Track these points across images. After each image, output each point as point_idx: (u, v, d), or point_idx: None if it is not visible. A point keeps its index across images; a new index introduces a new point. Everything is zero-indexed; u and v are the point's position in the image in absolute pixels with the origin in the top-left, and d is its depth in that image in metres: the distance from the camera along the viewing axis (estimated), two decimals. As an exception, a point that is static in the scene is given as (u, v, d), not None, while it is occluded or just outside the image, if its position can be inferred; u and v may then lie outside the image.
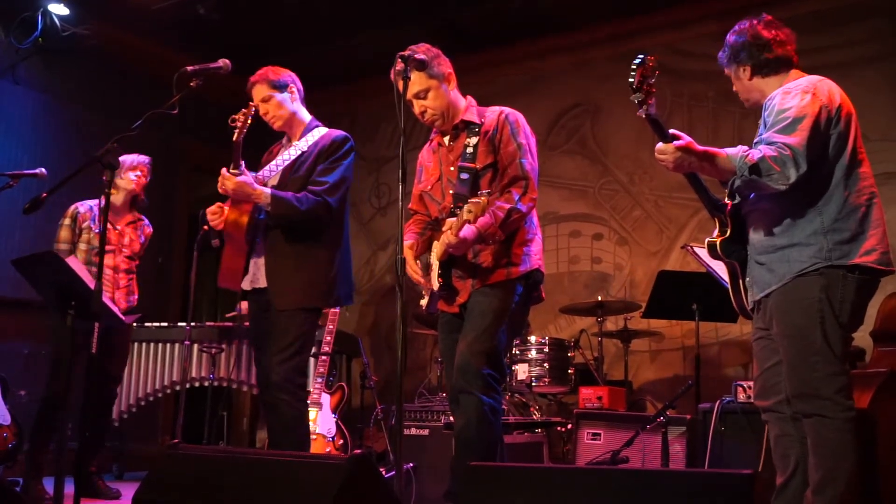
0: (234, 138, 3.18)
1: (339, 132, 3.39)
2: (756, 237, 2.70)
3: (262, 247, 3.28)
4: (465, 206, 2.69)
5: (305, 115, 3.45)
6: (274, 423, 3.22)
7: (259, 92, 3.35)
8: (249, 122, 3.24)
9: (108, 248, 4.33)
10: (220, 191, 3.19)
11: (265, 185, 3.28)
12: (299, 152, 3.33)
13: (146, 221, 4.64)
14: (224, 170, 3.15)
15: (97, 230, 4.37)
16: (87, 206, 4.45)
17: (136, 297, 4.57)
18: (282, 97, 3.35)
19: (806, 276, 2.55)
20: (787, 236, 2.60)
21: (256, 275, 3.29)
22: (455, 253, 2.90)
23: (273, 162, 3.37)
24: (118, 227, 4.45)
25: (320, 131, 3.40)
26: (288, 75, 3.41)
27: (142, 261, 4.67)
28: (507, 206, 2.88)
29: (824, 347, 2.51)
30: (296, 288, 3.20)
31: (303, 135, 3.39)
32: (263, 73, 3.37)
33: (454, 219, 2.82)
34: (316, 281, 3.24)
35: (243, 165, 3.18)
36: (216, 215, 3.26)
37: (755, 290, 2.71)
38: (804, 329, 2.54)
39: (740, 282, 2.80)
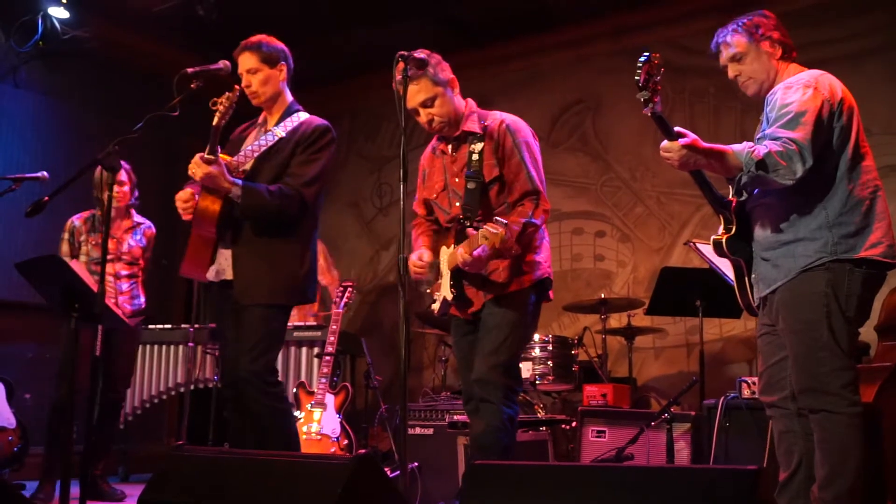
0: (214, 123, 2.95)
1: (320, 121, 3.16)
2: (761, 233, 2.70)
3: (230, 238, 3.06)
4: (481, 231, 2.67)
5: (288, 97, 3.22)
6: (242, 422, 3.04)
7: (246, 61, 3.12)
8: (233, 106, 3.02)
9: (107, 258, 4.34)
10: (190, 175, 2.97)
11: (237, 169, 3.07)
12: (276, 138, 3.09)
13: (146, 224, 4.64)
14: (198, 156, 2.93)
15: (94, 242, 4.39)
16: (82, 219, 4.50)
17: (143, 299, 4.58)
18: (269, 73, 3.12)
19: (811, 270, 2.55)
20: (792, 231, 2.60)
21: (223, 265, 3.08)
22: (469, 271, 2.89)
23: (248, 146, 3.13)
24: (115, 236, 4.46)
25: (300, 117, 3.17)
26: (282, 50, 3.18)
27: (150, 262, 4.67)
28: (522, 220, 2.88)
29: (831, 342, 2.50)
30: (262, 284, 3.01)
31: (282, 118, 3.15)
32: (256, 42, 3.14)
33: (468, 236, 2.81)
34: (285, 277, 3.04)
35: (220, 152, 2.96)
36: (187, 203, 3.01)
37: (760, 287, 2.71)
38: (811, 324, 2.53)
39: (746, 279, 2.79)
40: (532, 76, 6.47)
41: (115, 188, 4.38)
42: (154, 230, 4.67)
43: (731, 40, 2.76)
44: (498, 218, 2.72)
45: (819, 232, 2.56)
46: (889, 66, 5.13)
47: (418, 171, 3.28)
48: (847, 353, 2.52)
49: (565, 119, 6.33)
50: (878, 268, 2.57)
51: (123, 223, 4.53)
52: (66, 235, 4.49)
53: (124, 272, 4.47)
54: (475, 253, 2.76)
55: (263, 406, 2.96)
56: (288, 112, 3.18)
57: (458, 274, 2.96)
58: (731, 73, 2.81)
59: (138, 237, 4.57)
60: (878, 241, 2.54)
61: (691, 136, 2.55)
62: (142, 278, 4.60)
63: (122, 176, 4.44)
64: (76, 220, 4.50)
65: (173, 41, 6.23)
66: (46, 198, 3.48)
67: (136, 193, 4.60)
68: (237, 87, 3.07)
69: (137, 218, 4.62)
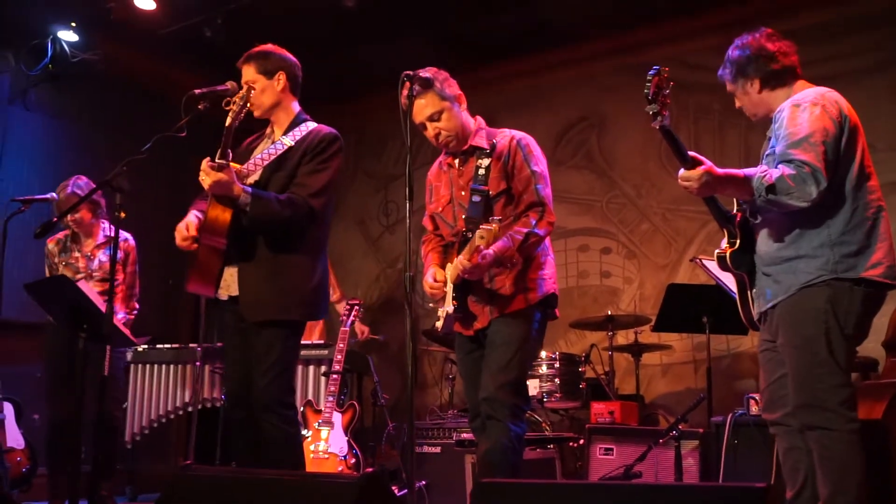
0: (227, 123, 2.89)
1: (328, 129, 3.13)
2: (763, 248, 2.70)
3: (236, 255, 2.97)
4: (478, 232, 2.70)
5: (294, 107, 3.18)
6: (250, 444, 2.98)
7: (246, 73, 3.12)
8: (246, 106, 2.97)
9: (77, 276, 4.34)
10: (201, 182, 2.91)
11: (246, 177, 3.01)
12: (285, 148, 3.05)
13: (122, 237, 4.53)
14: (206, 161, 2.87)
15: (64, 263, 4.40)
16: (55, 241, 4.50)
17: (122, 315, 4.51)
18: (266, 84, 3.10)
19: (812, 287, 2.55)
20: (794, 248, 2.60)
21: (229, 281, 3.01)
22: (469, 278, 2.90)
23: (257, 155, 3.09)
24: (87, 253, 4.46)
25: (309, 126, 3.14)
26: (282, 59, 3.16)
27: (134, 276, 4.62)
28: (525, 230, 2.90)
29: (829, 359, 2.50)
30: (270, 299, 2.93)
31: (289, 128, 3.12)
32: (255, 54, 3.15)
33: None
34: (294, 291, 2.97)
35: (230, 156, 2.90)
36: (186, 241, 2.94)
37: (761, 301, 2.71)
38: (809, 340, 2.53)
39: (748, 293, 2.79)
40: (536, 94, 6.50)
41: (69, 217, 4.36)
42: (132, 242, 4.58)
43: (723, 77, 2.84)
44: (493, 217, 2.74)
45: (821, 250, 2.56)
46: (893, 82, 5.15)
47: (426, 187, 3.30)
48: (845, 371, 2.52)
49: (570, 137, 6.36)
50: (878, 288, 2.57)
51: (89, 241, 4.49)
52: (45, 259, 4.53)
53: (97, 289, 4.43)
54: (474, 259, 2.77)
55: (279, 431, 2.91)
56: (296, 122, 3.14)
57: (462, 287, 2.97)
58: (736, 104, 2.89)
59: (109, 253, 4.48)
60: (878, 262, 2.55)
61: (707, 163, 2.56)
62: (124, 294, 4.52)
63: (78, 193, 4.37)
64: (49, 243, 4.51)
65: (181, 63, 6.29)
66: (55, 219, 3.53)
67: (103, 204, 4.53)
68: (253, 86, 3.04)
69: (112, 232, 4.45)
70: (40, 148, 5.94)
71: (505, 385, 2.87)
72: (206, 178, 2.85)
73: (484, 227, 2.68)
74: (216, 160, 2.86)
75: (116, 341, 4.14)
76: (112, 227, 4.55)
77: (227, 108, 2.91)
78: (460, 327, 3.08)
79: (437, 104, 3.01)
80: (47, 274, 4.48)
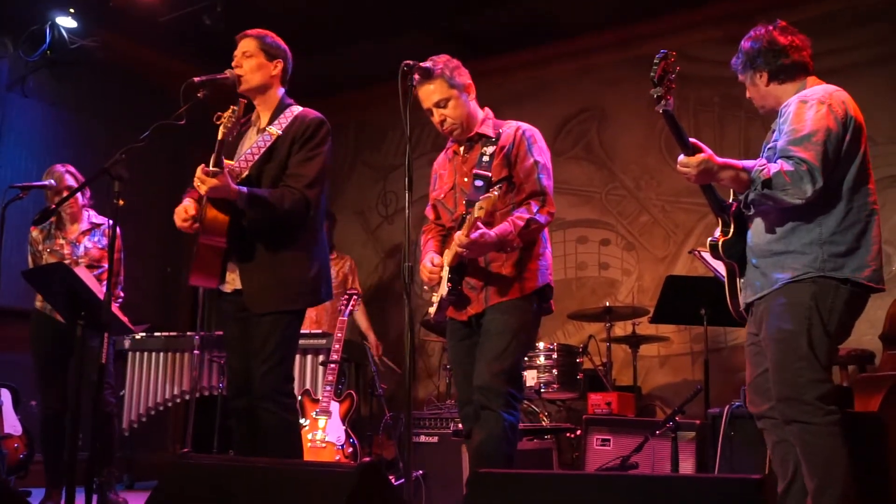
0: (220, 137, 2.90)
1: (315, 114, 3.11)
2: (754, 240, 2.71)
3: (236, 250, 3.01)
4: (477, 204, 2.73)
5: (279, 92, 3.16)
6: (250, 433, 2.99)
7: (246, 44, 3.10)
8: (239, 121, 2.98)
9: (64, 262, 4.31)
10: (196, 188, 2.92)
11: (238, 176, 3.01)
12: (272, 138, 3.04)
13: (107, 224, 4.46)
14: (201, 168, 2.87)
15: (49, 250, 4.36)
16: (38, 227, 4.42)
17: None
18: (264, 63, 3.08)
19: (798, 282, 2.56)
20: (784, 243, 2.61)
21: (233, 276, 3.04)
22: (468, 255, 2.89)
23: (246, 150, 3.07)
24: (71, 240, 4.39)
25: (294, 111, 3.11)
26: (283, 49, 3.16)
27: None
28: (527, 216, 2.92)
29: (810, 353, 2.51)
30: (273, 289, 2.96)
31: (274, 115, 3.10)
32: (260, 32, 3.14)
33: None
34: (294, 281, 2.99)
35: (224, 164, 2.90)
36: (187, 222, 2.97)
37: (748, 292, 2.73)
38: (791, 334, 2.54)
39: (737, 281, 2.80)
40: (537, 86, 6.49)
41: (57, 200, 4.29)
42: (118, 229, 4.55)
43: (735, 67, 2.84)
44: (492, 189, 2.76)
45: (810, 247, 2.57)
46: (893, 76, 5.14)
47: (431, 176, 3.31)
48: (824, 367, 2.53)
49: (570, 128, 6.35)
50: (863, 290, 2.58)
51: (74, 227, 4.43)
52: (28, 247, 4.45)
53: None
54: (473, 235, 2.78)
55: (278, 419, 2.92)
56: (280, 108, 3.13)
57: (458, 270, 2.97)
58: (747, 94, 2.88)
59: (96, 238, 4.44)
60: (866, 265, 2.56)
61: (707, 151, 2.56)
62: (114, 280, 4.49)
63: (68, 181, 4.34)
64: (33, 231, 4.44)
65: (179, 50, 6.26)
66: (53, 205, 3.52)
67: (88, 194, 4.50)
68: (242, 100, 3.03)
69: (97, 219, 4.50)
70: (38, 135, 5.93)
71: (500, 373, 2.87)
72: (202, 185, 2.86)
73: (483, 197, 2.69)
74: (210, 167, 2.86)
75: (115, 329, 4.14)
76: (96, 213, 4.54)
77: (218, 123, 2.91)
78: (454, 312, 3.08)
79: (445, 91, 3.02)
80: (30, 262, 4.39)
